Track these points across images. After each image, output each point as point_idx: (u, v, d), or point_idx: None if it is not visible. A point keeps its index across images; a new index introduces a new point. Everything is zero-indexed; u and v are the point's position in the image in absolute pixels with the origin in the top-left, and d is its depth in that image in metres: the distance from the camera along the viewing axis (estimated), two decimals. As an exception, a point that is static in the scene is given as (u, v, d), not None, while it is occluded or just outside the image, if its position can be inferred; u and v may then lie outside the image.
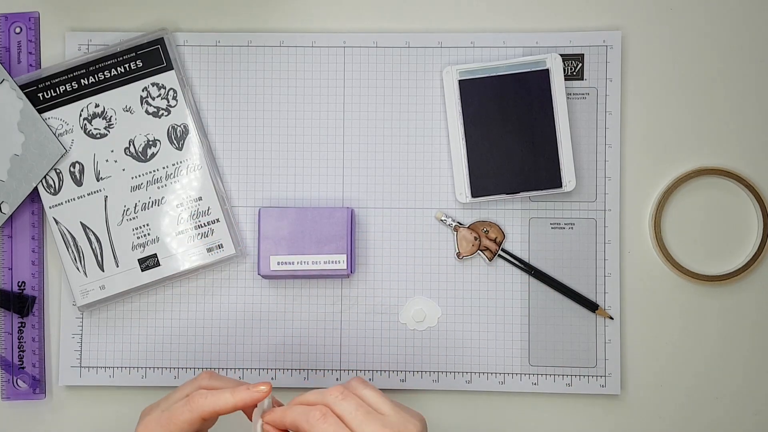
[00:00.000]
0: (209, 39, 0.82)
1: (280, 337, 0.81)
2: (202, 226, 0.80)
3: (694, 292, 0.82)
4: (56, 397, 0.82)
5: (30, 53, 0.82)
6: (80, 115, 0.80)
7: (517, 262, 0.81)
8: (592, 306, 0.80)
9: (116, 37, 0.82)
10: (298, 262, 0.78)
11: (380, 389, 0.78)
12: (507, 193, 0.80)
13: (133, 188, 0.80)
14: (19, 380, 0.81)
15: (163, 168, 0.80)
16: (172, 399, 0.66)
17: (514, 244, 0.81)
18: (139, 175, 0.80)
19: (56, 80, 0.80)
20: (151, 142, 0.81)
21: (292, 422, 0.62)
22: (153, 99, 0.81)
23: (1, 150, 0.80)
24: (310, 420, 0.60)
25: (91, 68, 0.80)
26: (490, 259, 0.81)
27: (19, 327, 0.81)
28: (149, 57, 0.81)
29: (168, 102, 0.81)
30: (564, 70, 0.81)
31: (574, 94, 0.81)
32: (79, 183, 0.80)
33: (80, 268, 0.80)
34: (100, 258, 0.80)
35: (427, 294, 0.81)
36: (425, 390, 0.81)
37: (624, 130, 0.82)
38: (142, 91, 0.81)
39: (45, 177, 0.80)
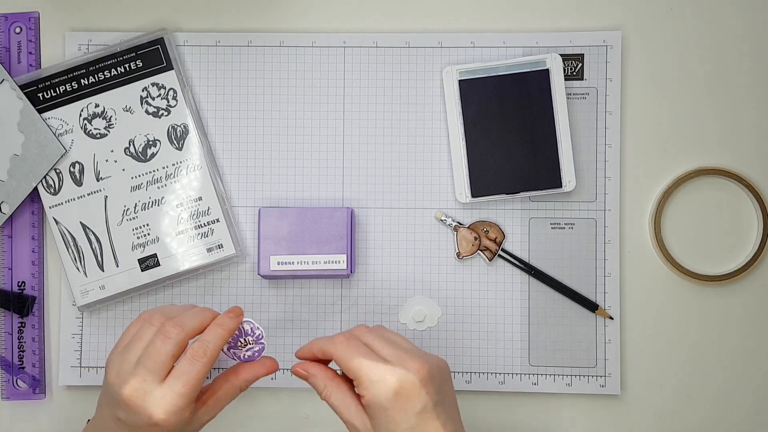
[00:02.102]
0: (209, 39, 0.82)
1: (280, 337, 0.81)
2: (202, 226, 0.80)
3: (694, 292, 0.82)
4: (56, 397, 0.82)
5: (30, 53, 0.82)
6: (80, 115, 0.80)
7: (517, 262, 0.81)
8: (592, 306, 0.80)
9: (116, 37, 0.82)
10: (298, 262, 0.78)
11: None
12: (507, 193, 0.80)
13: (133, 188, 0.80)
14: (19, 380, 0.81)
15: (163, 168, 0.80)
16: (139, 350, 0.65)
17: (514, 244, 0.81)
18: (139, 175, 0.80)
19: (56, 80, 0.80)
20: (151, 142, 0.81)
21: (320, 348, 0.66)
22: (153, 99, 0.81)
23: (1, 150, 0.80)
24: (335, 341, 0.65)
25: (91, 68, 0.80)
26: (490, 259, 0.81)
27: (19, 327, 0.81)
28: (149, 57, 0.81)
29: (168, 102, 0.81)
30: (564, 70, 0.81)
31: (574, 94, 0.81)
32: (79, 183, 0.80)
33: (80, 268, 0.80)
34: (100, 258, 0.80)
35: (427, 294, 0.81)
36: (425, 390, 0.80)
37: (624, 130, 0.82)
38: (142, 91, 0.81)
39: (45, 177, 0.80)
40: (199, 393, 0.67)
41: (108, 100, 0.81)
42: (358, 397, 0.64)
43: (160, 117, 0.81)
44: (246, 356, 0.70)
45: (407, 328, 0.81)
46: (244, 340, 0.69)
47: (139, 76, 0.81)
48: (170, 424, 0.63)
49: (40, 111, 0.80)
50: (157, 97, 0.81)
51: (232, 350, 0.70)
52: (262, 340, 0.70)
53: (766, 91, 0.82)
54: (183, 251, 0.80)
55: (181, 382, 0.63)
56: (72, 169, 0.81)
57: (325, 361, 0.68)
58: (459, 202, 0.81)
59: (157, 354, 0.64)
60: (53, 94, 0.80)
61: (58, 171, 0.80)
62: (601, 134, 0.81)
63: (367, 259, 0.81)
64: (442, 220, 0.81)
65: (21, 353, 0.81)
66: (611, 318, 0.81)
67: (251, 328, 0.69)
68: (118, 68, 0.81)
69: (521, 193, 0.80)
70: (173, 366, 0.64)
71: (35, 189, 0.80)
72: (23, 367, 0.81)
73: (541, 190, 0.80)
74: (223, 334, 0.66)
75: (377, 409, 0.62)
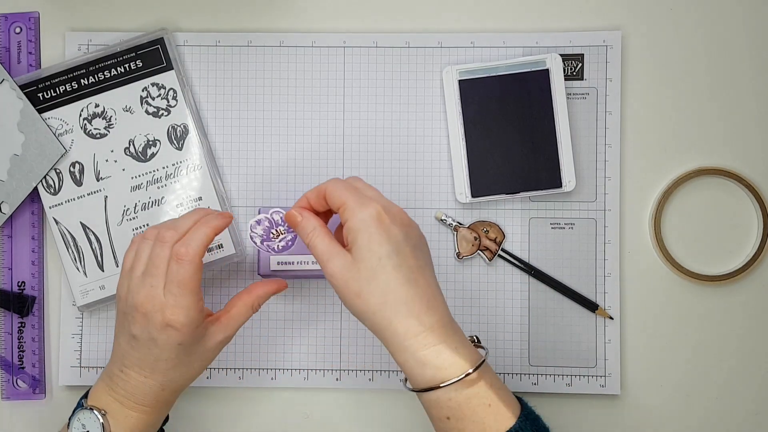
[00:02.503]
0: (209, 39, 0.82)
1: (280, 337, 0.81)
2: (202, 226, 0.80)
3: (694, 292, 0.82)
4: (56, 397, 0.82)
5: (30, 53, 0.82)
6: (80, 115, 0.80)
7: (517, 262, 0.81)
8: (592, 306, 0.80)
9: (116, 37, 0.82)
10: (298, 262, 0.78)
11: (378, 389, 0.78)
12: (507, 193, 0.80)
13: (133, 188, 0.80)
14: (19, 380, 0.81)
15: (163, 168, 0.80)
16: (149, 272, 0.67)
17: (514, 244, 0.81)
18: (139, 175, 0.80)
19: (56, 80, 0.80)
20: (151, 142, 0.81)
21: (314, 189, 0.68)
22: (153, 99, 0.81)
23: (1, 150, 0.80)
24: (328, 181, 0.67)
25: (91, 68, 0.80)
26: (490, 259, 0.81)
27: (19, 327, 0.81)
28: (149, 57, 0.81)
29: (168, 102, 0.81)
30: (564, 70, 0.81)
31: (574, 94, 0.81)
32: (79, 183, 0.80)
33: (80, 268, 0.80)
34: (100, 258, 0.80)
35: (427, 294, 0.81)
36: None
37: (624, 130, 0.82)
38: (142, 91, 0.81)
39: (45, 177, 0.80)
40: (216, 313, 0.71)
41: (108, 100, 0.81)
42: (340, 244, 0.66)
43: (160, 117, 0.81)
44: (280, 247, 0.71)
45: (407, 328, 0.81)
46: (276, 231, 0.71)
47: (139, 76, 0.81)
48: (181, 325, 0.66)
49: (40, 111, 0.80)
50: (157, 97, 0.81)
51: (265, 243, 0.71)
52: (286, 230, 0.71)
53: (766, 91, 0.82)
54: (183, 251, 0.80)
55: (175, 283, 0.66)
56: (72, 169, 0.81)
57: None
58: (459, 202, 0.81)
59: (157, 259, 0.67)
60: (53, 94, 0.80)
61: (58, 171, 0.80)
62: (601, 134, 0.81)
63: (367, 259, 0.81)
64: (442, 220, 0.81)
65: (21, 353, 0.81)
66: (611, 318, 0.81)
67: (281, 218, 0.70)
68: (118, 68, 0.81)
69: (521, 193, 0.80)
70: (199, 287, 0.67)
71: (35, 189, 0.80)
72: (23, 367, 0.81)
73: (541, 190, 0.80)
74: (208, 232, 0.68)
75: (360, 229, 0.64)
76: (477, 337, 0.70)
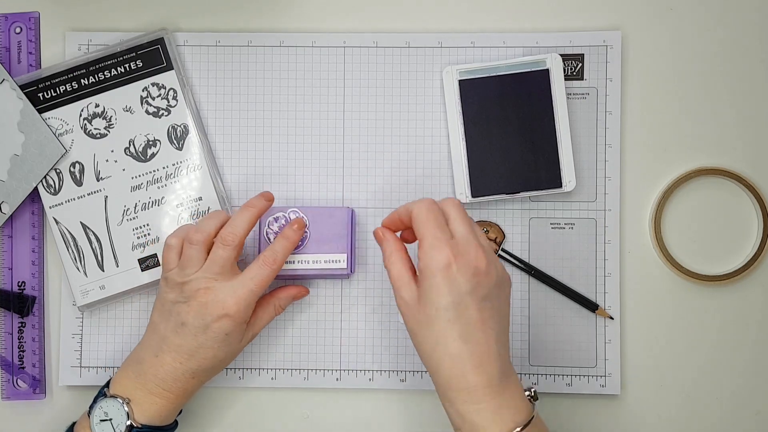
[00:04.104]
0: (209, 39, 0.82)
1: (281, 337, 0.81)
2: (202, 226, 0.80)
3: (694, 292, 0.82)
4: (56, 397, 0.82)
5: (30, 53, 0.82)
6: (80, 115, 0.80)
7: (517, 262, 0.81)
8: (592, 306, 0.80)
9: (116, 37, 0.82)
10: (298, 262, 0.78)
11: (378, 389, 0.78)
12: (507, 193, 0.80)
13: (133, 188, 0.80)
14: (19, 380, 0.81)
15: (163, 168, 0.80)
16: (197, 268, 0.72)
17: (514, 244, 0.81)
18: (139, 175, 0.80)
19: (56, 80, 0.80)
20: (151, 142, 0.81)
21: (405, 207, 0.69)
22: (153, 99, 0.81)
23: (1, 150, 0.80)
24: (420, 202, 0.68)
25: (91, 68, 0.80)
26: (490, 259, 0.81)
27: (19, 327, 0.81)
28: (149, 57, 0.81)
29: (168, 102, 0.81)
30: (564, 70, 0.81)
31: (574, 94, 0.81)
32: (79, 183, 0.80)
33: (80, 268, 0.80)
34: (100, 258, 0.80)
35: (427, 294, 0.81)
36: (426, 390, 0.81)
37: (624, 130, 0.82)
38: (142, 91, 0.81)
39: (45, 177, 0.80)
40: None
41: (108, 100, 0.81)
42: (414, 272, 0.67)
43: (160, 117, 0.81)
44: None
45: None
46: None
47: (139, 76, 0.81)
48: (239, 316, 0.71)
49: (40, 111, 0.80)
50: (157, 97, 0.81)
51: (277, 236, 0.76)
52: (306, 229, 0.76)
53: (766, 91, 0.82)
54: (183, 251, 0.80)
55: (255, 281, 0.72)
56: (72, 169, 0.81)
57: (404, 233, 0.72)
58: (459, 202, 0.81)
59: (220, 259, 0.72)
60: (53, 94, 0.80)
61: (58, 171, 0.80)
62: (601, 134, 0.81)
63: (367, 258, 0.81)
64: (442, 220, 0.81)
65: (21, 353, 0.81)
66: (611, 318, 0.81)
67: (296, 217, 0.76)
68: (118, 68, 0.81)
69: (521, 193, 0.80)
70: (237, 268, 0.73)
71: (35, 189, 0.80)
72: (23, 367, 0.81)
73: (541, 190, 0.80)
74: (288, 246, 0.74)
75: (427, 274, 0.65)
76: (534, 392, 0.69)
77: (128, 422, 0.70)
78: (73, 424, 0.74)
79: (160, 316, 0.73)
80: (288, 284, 0.79)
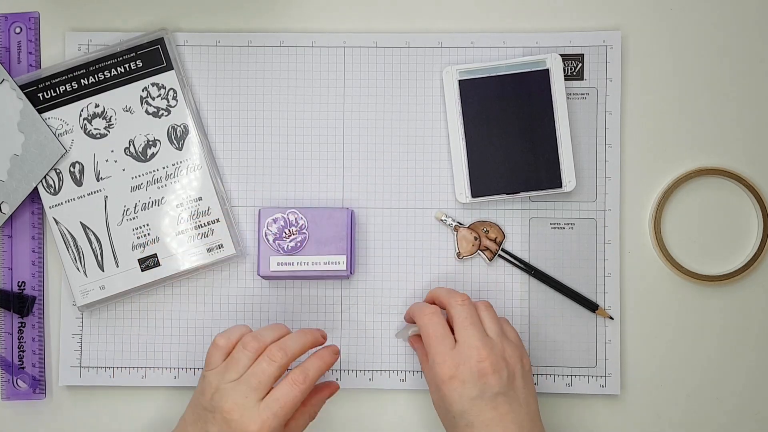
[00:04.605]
0: (209, 39, 0.82)
1: (280, 337, 0.81)
2: (202, 226, 0.80)
3: (694, 292, 0.82)
4: (56, 397, 0.82)
5: (30, 53, 0.82)
6: (80, 115, 0.80)
7: (517, 262, 0.81)
8: (592, 306, 0.80)
9: (116, 37, 0.82)
10: (298, 263, 0.78)
11: (378, 389, 0.78)
12: (507, 193, 0.80)
13: (133, 188, 0.80)
14: (19, 380, 0.81)
15: (163, 168, 0.80)
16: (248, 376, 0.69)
17: (514, 244, 0.81)
18: (139, 175, 0.80)
19: (56, 80, 0.80)
20: (151, 142, 0.81)
21: (436, 296, 0.75)
22: (153, 99, 0.81)
23: (1, 150, 0.80)
24: (452, 298, 0.73)
25: (91, 68, 0.80)
26: (490, 259, 0.81)
27: (19, 327, 0.81)
28: (149, 57, 0.81)
29: (168, 102, 0.81)
30: (564, 70, 0.81)
31: (574, 94, 0.81)
32: (79, 183, 0.80)
33: (80, 268, 0.80)
34: (100, 258, 0.80)
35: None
36: (426, 390, 0.80)
37: (624, 130, 0.82)
38: (142, 91, 0.81)
39: (45, 177, 0.80)
40: None
41: (108, 100, 0.81)
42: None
43: (160, 117, 0.81)
44: (290, 247, 0.74)
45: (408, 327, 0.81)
46: (289, 231, 0.74)
47: (139, 76, 0.81)
48: None
49: (40, 111, 0.80)
50: (157, 97, 0.81)
51: (277, 242, 0.75)
52: (305, 231, 0.74)
53: (766, 91, 0.82)
54: (183, 251, 0.80)
55: (280, 403, 0.68)
56: (72, 169, 0.81)
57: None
58: (459, 202, 0.81)
59: (262, 374, 0.68)
60: (53, 94, 0.80)
61: (58, 171, 0.80)
62: (601, 134, 0.81)
63: (367, 259, 0.81)
64: (442, 220, 0.81)
65: (21, 353, 0.81)
66: (611, 318, 0.81)
67: (296, 219, 0.74)
68: (118, 68, 0.81)
69: (521, 193, 0.80)
70: (272, 387, 0.69)
71: (35, 189, 0.80)
72: (23, 367, 0.81)
73: (541, 190, 0.80)
74: (322, 366, 0.71)
75: (434, 387, 0.70)
76: None
77: None
78: None
79: (191, 415, 0.71)
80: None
